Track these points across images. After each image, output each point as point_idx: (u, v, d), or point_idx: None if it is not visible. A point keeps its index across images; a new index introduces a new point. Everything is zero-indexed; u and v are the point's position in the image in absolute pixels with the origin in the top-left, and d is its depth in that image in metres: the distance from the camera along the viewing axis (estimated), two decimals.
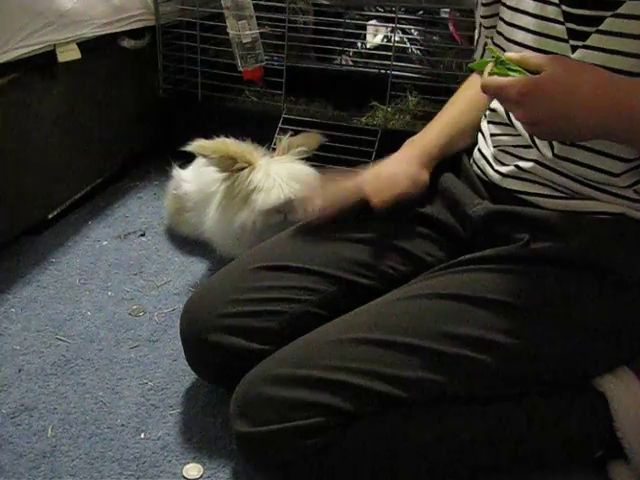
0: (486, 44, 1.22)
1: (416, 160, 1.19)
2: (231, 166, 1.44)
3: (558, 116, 0.87)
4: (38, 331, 1.37)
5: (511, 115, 1.09)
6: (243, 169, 1.44)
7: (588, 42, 0.95)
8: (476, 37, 1.25)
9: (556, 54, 0.97)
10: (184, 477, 1.07)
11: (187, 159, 1.64)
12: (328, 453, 0.94)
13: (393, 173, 1.18)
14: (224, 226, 1.49)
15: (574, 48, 0.97)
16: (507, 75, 0.90)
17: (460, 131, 1.24)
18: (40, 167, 1.64)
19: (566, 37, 0.98)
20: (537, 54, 0.91)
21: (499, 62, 0.91)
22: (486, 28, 1.18)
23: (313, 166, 1.51)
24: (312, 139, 1.54)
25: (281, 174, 1.42)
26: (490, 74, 0.91)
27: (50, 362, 1.29)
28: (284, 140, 1.51)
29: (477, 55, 1.25)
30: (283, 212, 1.43)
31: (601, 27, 0.94)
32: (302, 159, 1.50)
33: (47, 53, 1.55)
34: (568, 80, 0.87)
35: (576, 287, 1.01)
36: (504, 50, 1.07)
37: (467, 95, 1.27)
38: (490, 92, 0.92)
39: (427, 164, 1.20)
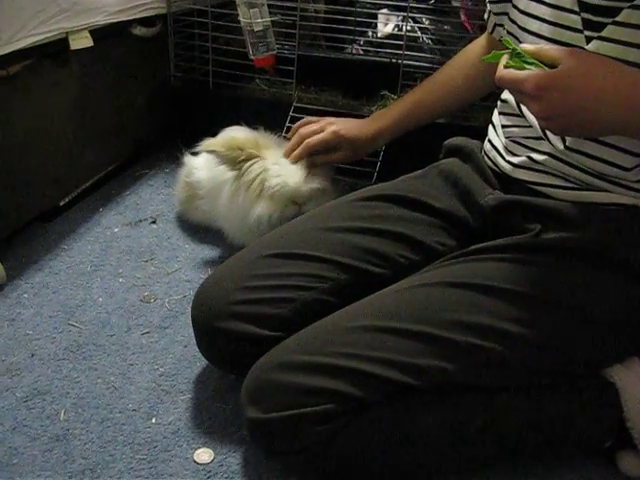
0: (495, 24, 1.22)
1: (371, 138, 1.46)
2: (239, 157, 1.44)
3: (574, 111, 0.87)
4: (50, 317, 1.38)
5: (522, 106, 1.09)
6: (251, 159, 1.45)
7: (603, 33, 0.95)
8: (486, 17, 1.28)
9: (571, 45, 0.97)
10: (195, 462, 1.08)
11: (199, 144, 1.63)
12: (338, 440, 0.95)
13: (356, 130, 1.44)
14: (237, 217, 1.50)
15: (589, 39, 0.97)
16: (523, 68, 0.88)
17: (425, 110, 1.45)
18: (52, 154, 1.65)
19: (581, 27, 0.97)
20: (554, 46, 0.90)
21: (515, 54, 0.90)
22: (495, 14, 1.18)
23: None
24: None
25: (295, 165, 1.43)
26: (506, 66, 0.90)
27: (62, 347, 1.30)
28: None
29: (486, 32, 1.31)
30: (298, 204, 1.44)
31: (617, 18, 0.93)
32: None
33: (60, 41, 1.56)
34: (585, 74, 0.86)
35: (587, 277, 1.01)
36: (518, 39, 1.07)
37: (447, 73, 1.41)
38: (505, 85, 0.92)
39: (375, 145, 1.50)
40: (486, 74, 1.31)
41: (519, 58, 0.90)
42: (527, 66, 0.89)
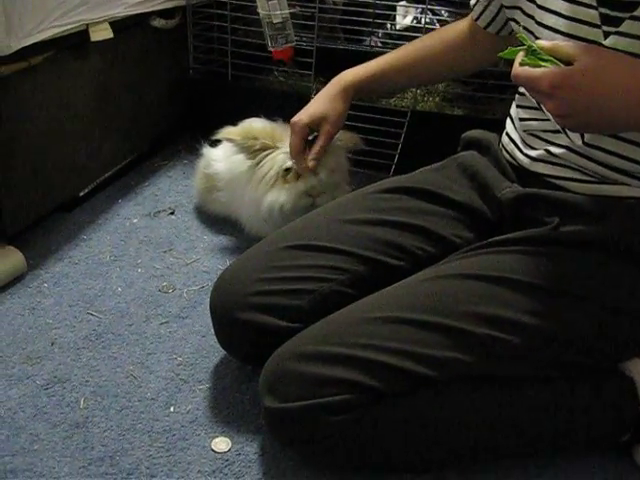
0: (501, 6, 1.21)
1: (341, 96, 1.41)
2: (254, 145, 1.46)
3: (590, 109, 0.87)
4: (70, 306, 1.40)
5: None
6: (267, 149, 1.46)
7: (621, 28, 0.94)
8: (472, 2, 1.30)
9: (588, 40, 0.96)
10: (213, 450, 1.09)
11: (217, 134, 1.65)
12: (355, 430, 0.96)
13: (319, 104, 1.41)
14: (252, 206, 1.51)
15: (606, 34, 0.96)
16: (538, 65, 0.88)
17: (394, 69, 1.40)
18: (72, 145, 1.66)
19: (599, 22, 0.96)
20: (570, 43, 0.89)
21: (531, 51, 0.89)
22: (507, 8, 1.17)
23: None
24: (351, 139, 1.54)
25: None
26: (521, 64, 0.90)
27: (82, 336, 1.32)
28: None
29: (470, 18, 1.32)
30: (312, 195, 1.44)
31: (635, 13, 0.93)
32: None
33: (80, 32, 1.57)
34: (601, 72, 0.85)
35: (605, 270, 1.01)
36: (533, 34, 1.07)
37: (423, 40, 1.41)
38: (521, 82, 0.91)
39: (349, 97, 1.42)
40: (459, 57, 1.37)
41: (535, 55, 0.89)
42: (542, 63, 0.88)
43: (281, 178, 1.45)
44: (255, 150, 1.47)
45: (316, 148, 1.41)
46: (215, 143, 1.67)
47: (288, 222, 1.29)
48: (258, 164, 1.47)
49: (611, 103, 0.86)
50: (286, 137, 1.45)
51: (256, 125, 1.53)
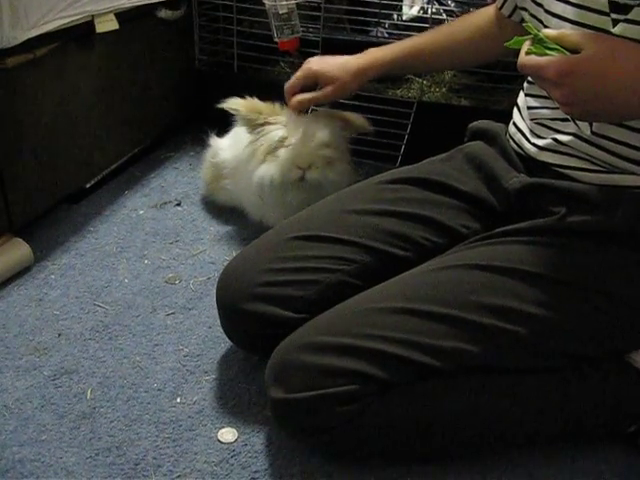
0: (516, 6, 1.21)
1: (360, 74, 1.39)
2: (257, 119, 1.45)
3: (597, 97, 0.86)
4: (77, 297, 1.40)
5: None
6: (269, 125, 1.45)
7: (630, 16, 0.93)
8: None
9: (596, 28, 0.96)
10: (219, 441, 1.09)
11: (223, 127, 1.64)
12: (361, 420, 0.96)
13: (336, 65, 1.39)
14: (248, 184, 1.51)
15: (615, 22, 0.95)
16: (545, 54, 0.88)
17: (422, 59, 1.39)
18: (78, 137, 1.66)
19: (607, 10, 0.96)
20: (576, 32, 0.89)
21: (537, 40, 0.89)
22: None
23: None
24: (360, 120, 1.52)
25: (304, 131, 1.43)
26: (527, 53, 0.90)
27: (89, 327, 1.32)
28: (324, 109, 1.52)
29: (495, 7, 1.29)
30: (301, 168, 1.43)
31: None
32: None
33: (86, 24, 1.56)
34: (607, 60, 0.85)
35: (612, 260, 1.00)
36: (542, 22, 1.06)
37: (454, 31, 1.38)
38: (527, 72, 0.91)
39: (367, 78, 1.40)
40: (487, 43, 1.34)
41: (541, 44, 0.89)
42: (549, 52, 0.88)
43: (272, 151, 1.44)
44: (256, 124, 1.46)
45: (306, 96, 1.42)
46: (221, 133, 1.67)
47: (283, 199, 1.28)
48: (257, 139, 1.47)
49: (618, 91, 0.86)
50: (288, 116, 1.45)
51: (262, 102, 1.51)
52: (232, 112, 1.48)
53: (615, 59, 0.85)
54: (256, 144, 1.47)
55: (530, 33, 0.91)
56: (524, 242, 1.03)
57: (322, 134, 1.44)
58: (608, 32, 0.95)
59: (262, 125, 1.46)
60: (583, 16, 0.98)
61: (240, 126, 1.50)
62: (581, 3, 0.98)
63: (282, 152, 1.43)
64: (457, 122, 1.36)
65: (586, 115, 0.92)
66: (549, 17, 1.04)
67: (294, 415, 0.99)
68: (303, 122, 1.44)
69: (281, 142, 1.43)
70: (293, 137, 1.42)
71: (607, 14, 0.96)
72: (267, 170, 1.44)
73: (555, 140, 1.08)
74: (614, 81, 0.85)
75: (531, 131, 1.14)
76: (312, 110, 1.47)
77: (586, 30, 0.95)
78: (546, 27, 1.03)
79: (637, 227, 1.00)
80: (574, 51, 0.86)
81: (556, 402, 1.02)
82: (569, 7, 1.00)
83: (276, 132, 1.44)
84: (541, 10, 1.07)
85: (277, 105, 1.50)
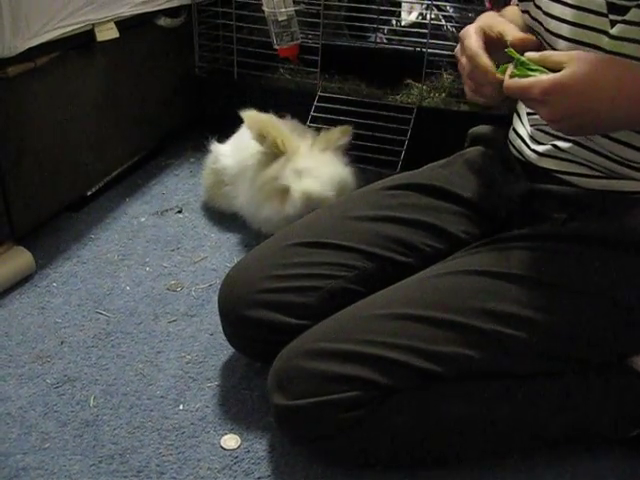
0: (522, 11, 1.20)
1: None
2: (269, 145, 1.46)
3: (583, 112, 0.88)
4: (79, 305, 1.41)
5: None
6: (280, 153, 1.46)
7: (628, 17, 0.94)
8: None
9: (594, 29, 0.97)
10: (222, 447, 1.09)
11: (224, 134, 1.65)
12: (364, 426, 0.96)
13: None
14: (252, 206, 1.52)
15: (613, 23, 0.96)
16: (527, 75, 0.91)
17: None
18: (79, 145, 1.67)
19: (605, 11, 0.97)
20: (558, 52, 0.91)
21: (519, 63, 0.93)
22: (520, 0, 1.17)
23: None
24: (344, 130, 1.55)
25: (318, 172, 1.44)
26: (511, 76, 0.93)
27: (91, 335, 1.32)
28: (321, 136, 1.53)
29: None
30: (313, 208, 1.43)
31: None
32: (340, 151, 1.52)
33: (86, 32, 1.57)
34: (590, 75, 0.87)
35: (612, 266, 1.01)
36: (542, 24, 1.06)
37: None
38: (513, 93, 0.93)
39: None
40: None
41: (523, 66, 0.92)
42: (531, 73, 0.91)
43: (280, 194, 1.46)
44: (268, 146, 1.47)
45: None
46: (222, 139, 1.68)
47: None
48: (265, 164, 1.48)
49: (604, 104, 0.87)
50: (299, 148, 1.46)
51: (277, 124, 1.52)
52: (247, 128, 1.49)
53: (597, 73, 0.87)
54: (264, 171, 1.48)
55: (513, 57, 0.94)
56: (524, 248, 1.03)
57: (333, 173, 1.46)
58: (606, 33, 0.96)
59: (272, 147, 1.47)
60: (581, 17, 0.99)
61: (250, 138, 1.50)
62: (579, 4, 0.99)
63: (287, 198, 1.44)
64: (457, 127, 1.37)
65: (575, 130, 0.93)
66: (548, 19, 1.05)
67: (296, 421, 0.99)
68: (313, 163, 1.45)
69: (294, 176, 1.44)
70: (310, 182, 1.43)
71: (605, 15, 0.97)
72: (271, 216, 1.46)
73: (555, 146, 1.08)
74: (598, 95, 0.87)
75: (531, 137, 1.14)
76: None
77: (568, 51, 0.96)
78: (546, 29, 1.04)
79: (635, 232, 1.00)
80: (556, 71, 0.89)
81: (558, 407, 1.02)
82: (567, 9, 1.01)
83: (284, 173, 1.45)
84: (540, 12, 1.07)
85: (290, 128, 1.51)
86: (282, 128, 1.52)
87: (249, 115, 1.50)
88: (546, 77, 0.88)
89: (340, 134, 1.53)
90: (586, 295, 0.99)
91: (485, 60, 0.97)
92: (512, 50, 0.95)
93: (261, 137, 1.47)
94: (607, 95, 0.87)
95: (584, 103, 0.87)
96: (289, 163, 1.46)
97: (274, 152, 1.48)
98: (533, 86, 0.88)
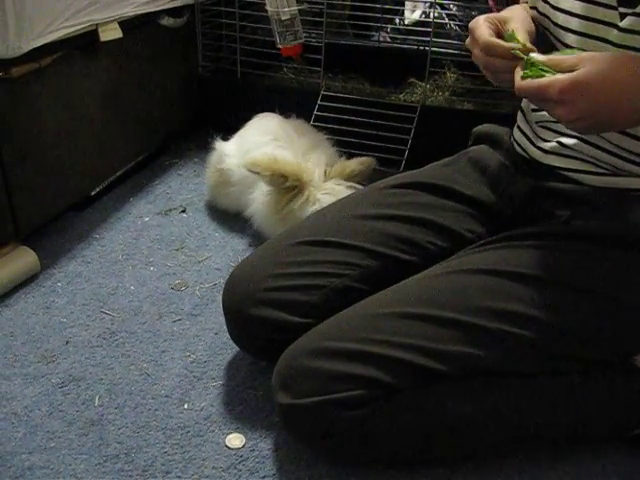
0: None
1: None
2: (282, 184, 1.45)
3: (601, 110, 0.87)
4: (83, 305, 1.41)
5: None
6: (294, 187, 1.46)
7: (638, 9, 0.94)
8: None
9: (604, 22, 0.97)
10: (227, 447, 1.09)
11: (228, 133, 1.65)
12: (368, 425, 0.96)
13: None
14: (269, 222, 1.53)
15: (623, 15, 0.96)
16: (542, 76, 0.89)
17: None
18: (83, 145, 1.67)
19: (615, 4, 0.96)
20: (567, 57, 0.89)
21: (530, 64, 0.91)
22: None
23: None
24: (366, 164, 1.53)
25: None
26: (523, 77, 0.91)
27: (96, 334, 1.33)
28: (338, 164, 1.51)
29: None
30: None
31: None
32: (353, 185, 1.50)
33: (90, 32, 1.57)
34: (606, 73, 0.86)
35: (617, 264, 1.00)
36: (550, 19, 1.06)
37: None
38: (527, 94, 0.91)
39: None
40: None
41: (535, 67, 0.91)
42: (545, 73, 0.89)
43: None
44: (284, 188, 1.46)
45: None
46: (226, 137, 1.68)
47: None
48: (283, 196, 1.47)
49: (622, 101, 0.86)
50: (314, 172, 1.46)
51: (283, 160, 1.49)
52: (255, 174, 1.48)
53: (613, 70, 0.86)
54: (280, 199, 1.48)
55: (522, 58, 0.93)
56: (529, 246, 1.03)
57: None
58: (615, 26, 0.96)
59: (290, 188, 1.46)
60: (591, 10, 0.99)
61: (261, 181, 1.50)
62: None
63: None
64: (461, 126, 1.37)
65: (591, 128, 0.92)
66: (557, 13, 1.04)
67: (301, 420, 0.99)
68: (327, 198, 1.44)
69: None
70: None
71: (615, 8, 0.96)
72: None
73: (560, 143, 1.08)
74: (616, 91, 0.86)
75: (536, 134, 1.14)
76: None
77: (591, 24, 0.96)
78: (554, 23, 1.04)
79: (639, 230, 1.00)
80: (569, 72, 0.88)
81: (562, 405, 1.02)
82: (577, 2, 1.00)
83: (311, 208, 1.44)
84: (548, 6, 1.06)
85: (299, 160, 1.50)
86: (292, 161, 1.50)
87: (255, 162, 1.47)
88: (564, 76, 0.86)
89: (357, 166, 1.51)
90: (592, 294, 0.99)
91: (501, 46, 0.96)
92: (519, 51, 0.94)
93: (278, 179, 1.45)
94: (625, 91, 0.86)
95: (602, 101, 0.86)
96: (306, 193, 1.46)
97: (291, 187, 1.47)
98: (551, 85, 0.86)
